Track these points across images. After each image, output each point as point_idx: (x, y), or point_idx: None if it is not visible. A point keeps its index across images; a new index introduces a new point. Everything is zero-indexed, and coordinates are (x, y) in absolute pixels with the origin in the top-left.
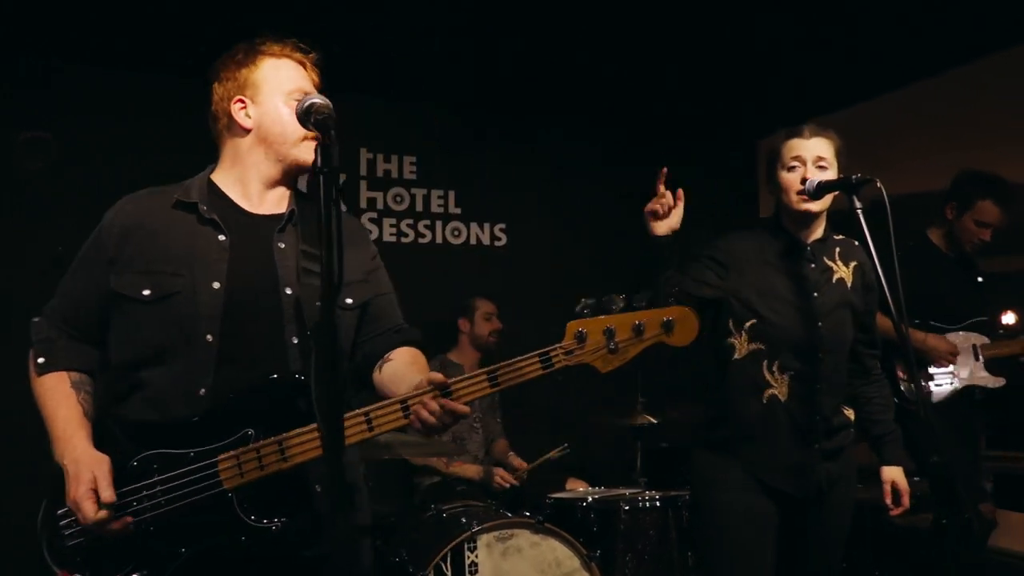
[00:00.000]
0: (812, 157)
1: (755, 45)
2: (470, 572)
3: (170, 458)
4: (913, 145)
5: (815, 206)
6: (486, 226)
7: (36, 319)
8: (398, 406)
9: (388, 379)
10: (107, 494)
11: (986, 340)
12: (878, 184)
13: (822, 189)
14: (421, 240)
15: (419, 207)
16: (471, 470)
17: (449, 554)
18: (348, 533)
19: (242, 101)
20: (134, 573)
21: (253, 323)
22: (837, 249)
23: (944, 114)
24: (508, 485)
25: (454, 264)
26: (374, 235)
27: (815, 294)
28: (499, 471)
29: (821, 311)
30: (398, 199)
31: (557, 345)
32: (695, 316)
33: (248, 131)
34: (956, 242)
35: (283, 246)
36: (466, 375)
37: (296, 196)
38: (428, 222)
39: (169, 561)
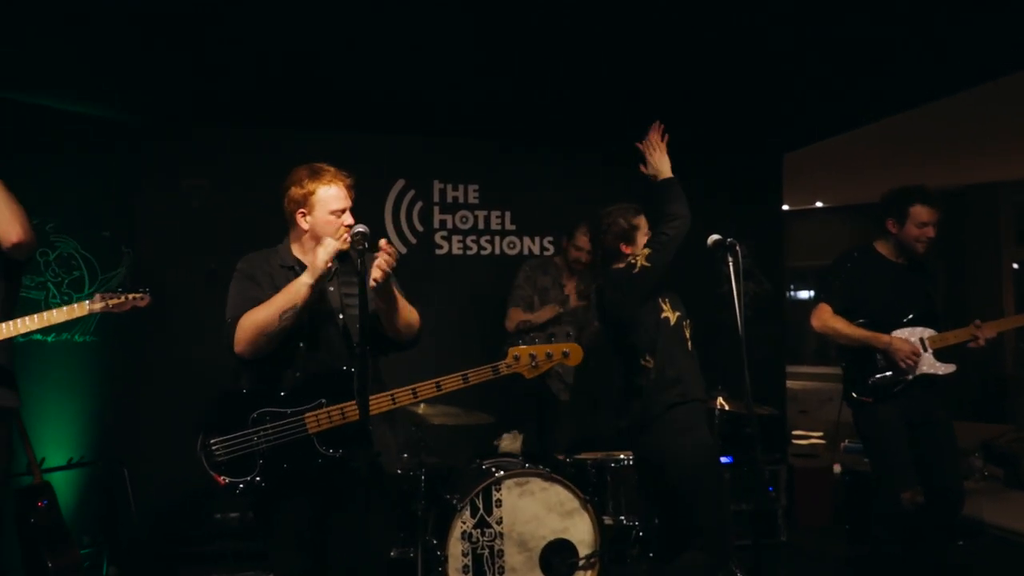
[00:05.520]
0: None
1: (779, 58)
2: (496, 505)
3: (275, 414)
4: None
5: None
6: (536, 239)
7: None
8: (409, 390)
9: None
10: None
11: (932, 332)
12: (737, 246)
13: (717, 246)
14: (483, 252)
15: (481, 225)
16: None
17: (481, 492)
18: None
19: (303, 212)
20: (257, 476)
21: (324, 336)
22: None
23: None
24: None
25: (510, 272)
26: (444, 250)
27: None
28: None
29: None
30: (464, 220)
31: (502, 362)
32: (581, 350)
33: (307, 231)
34: (907, 249)
35: (332, 289)
36: (446, 376)
37: (336, 257)
38: (489, 237)
39: (275, 471)
